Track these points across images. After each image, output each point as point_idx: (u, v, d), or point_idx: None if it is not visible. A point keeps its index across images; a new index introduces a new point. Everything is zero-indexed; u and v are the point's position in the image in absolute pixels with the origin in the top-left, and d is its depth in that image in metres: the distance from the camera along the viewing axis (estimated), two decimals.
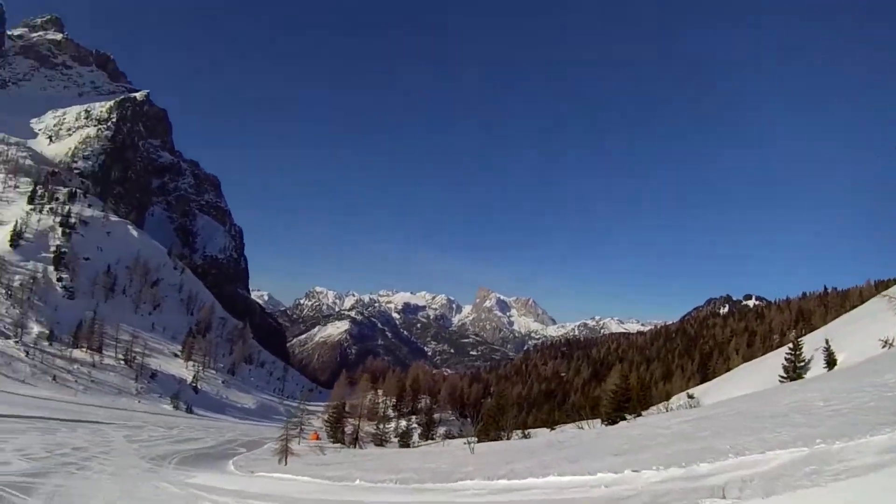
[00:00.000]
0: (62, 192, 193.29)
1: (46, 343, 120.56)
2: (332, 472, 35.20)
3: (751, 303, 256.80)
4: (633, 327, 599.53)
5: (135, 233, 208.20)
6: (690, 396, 55.06)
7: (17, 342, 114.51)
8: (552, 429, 64.03)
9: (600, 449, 24.22)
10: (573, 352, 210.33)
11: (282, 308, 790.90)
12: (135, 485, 26.23)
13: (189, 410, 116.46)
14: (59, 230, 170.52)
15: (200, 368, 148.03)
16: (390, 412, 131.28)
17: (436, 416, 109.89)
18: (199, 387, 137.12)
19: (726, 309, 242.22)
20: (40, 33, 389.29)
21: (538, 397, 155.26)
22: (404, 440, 75.52)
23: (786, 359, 44.52)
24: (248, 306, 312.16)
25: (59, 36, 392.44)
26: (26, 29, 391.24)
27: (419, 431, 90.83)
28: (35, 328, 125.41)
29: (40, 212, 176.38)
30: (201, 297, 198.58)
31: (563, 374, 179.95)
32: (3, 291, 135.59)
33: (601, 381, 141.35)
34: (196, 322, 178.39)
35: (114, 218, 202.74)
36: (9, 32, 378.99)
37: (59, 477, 25.00)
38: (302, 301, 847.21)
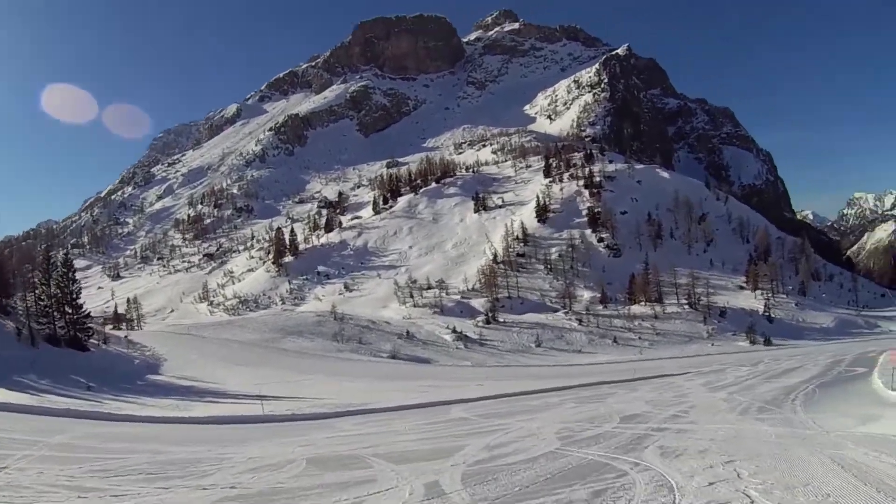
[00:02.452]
0: (577, 157, 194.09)
1: (600, 307, 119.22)
2: None
3: None
4: None
5: (666, 174, 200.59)
6: None
7: (566, 313, 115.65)
8: None
9: None
10: None
11: (828, 223, 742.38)
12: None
13: (767, 342, 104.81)
14: (586, 192, 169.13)
15: (770, 295, 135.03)
16: None
17: None
18: (772, 315, 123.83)
19: None
20: (496, 29, 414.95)
21: None
22: None
23: None
24: (797, 226, 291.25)
25: (516, 25, 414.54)
26: (480, 31, 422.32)
27: None
28: (585, 295, 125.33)
29: (560, 181, 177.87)
30: (752, 221, 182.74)
31: None
32: (543, 268, 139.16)
33: None
34: (754, 248, 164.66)
35: (639, 166, 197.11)
36: (465, 40, 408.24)
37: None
38: (845, 211, 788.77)
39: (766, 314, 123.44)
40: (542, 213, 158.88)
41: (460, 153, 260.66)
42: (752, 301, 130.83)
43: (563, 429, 20.62)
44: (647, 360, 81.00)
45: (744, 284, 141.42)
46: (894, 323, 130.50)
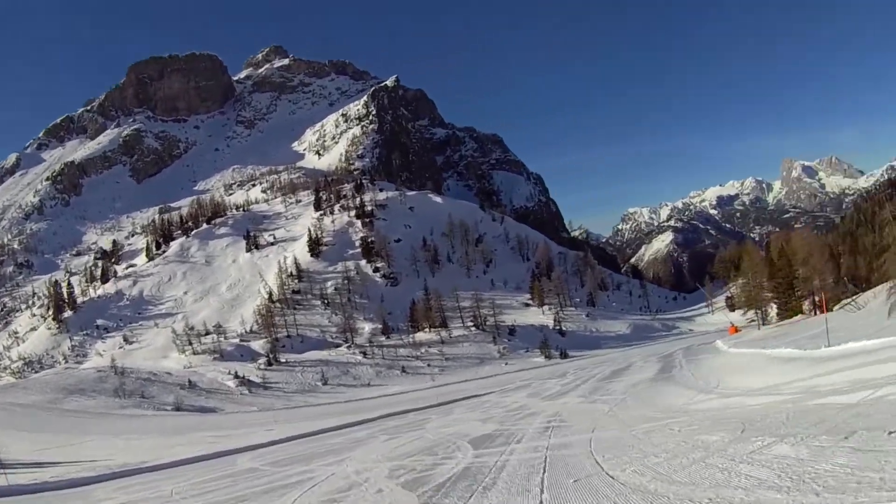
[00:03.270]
0: (347, 188, 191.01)
1: (383, 338, 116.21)
2: None
3: None
4: None
5: (438, 199, 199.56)
6: None
7: (349, 347, 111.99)
8: None
9: None
10: None
11: (603, 239, 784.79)
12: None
13: (564, 355, 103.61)
14: (358, 223, 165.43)
15: (559, 309, 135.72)
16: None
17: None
18: (563, 328, 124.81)
19: None
20: (266, 66, 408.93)
21: None
22: None
23: None
24: (576, 244, 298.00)
25: (286, 60, 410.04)
26: (251, 68, 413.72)
27: None
28: (366, 327, 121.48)
29: (331, 213, 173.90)
30: (531, 239, 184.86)
31: None
32: (320, 303, 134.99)
33: None
34: (535, 265, 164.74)
35: (411, 193, 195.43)
36: (235, 78, 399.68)
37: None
38: (620, 227, 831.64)
39: (558, 328, 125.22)
40: (315, 246, 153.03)
41: (230, 194, 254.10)
42: (540, 317, 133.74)
43: (398, 468, 15.91)
44: (444, 386, 77.89)
45: (529, 301, 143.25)
46: (692, 322, 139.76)
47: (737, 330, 79.07)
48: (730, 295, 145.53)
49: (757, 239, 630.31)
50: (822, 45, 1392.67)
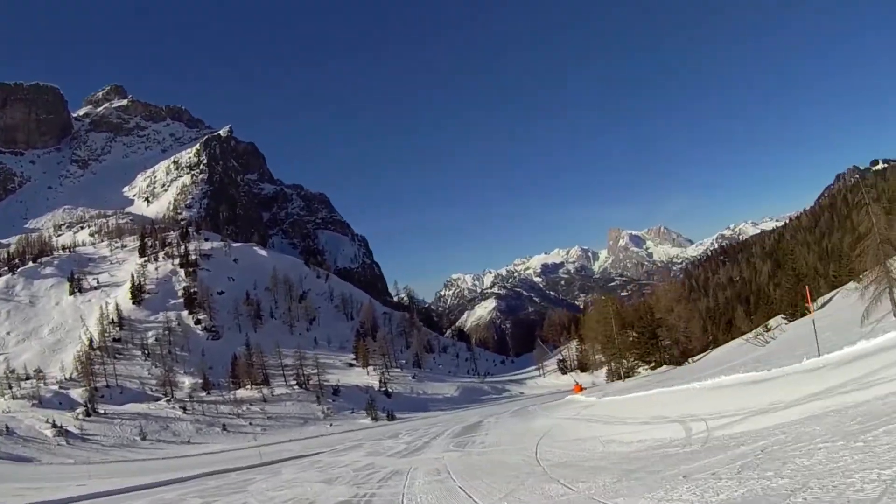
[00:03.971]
0: (173, 235, 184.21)
1: (204, 393, 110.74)
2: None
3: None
4: (768, 225, 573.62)
5: (263, 252, 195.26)
6: None
7: (169, 401, 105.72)
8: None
9: None
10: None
11: (425, 305, 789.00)
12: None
13: (391, 417, 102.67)
14: (182, 272, 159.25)
15: (384, 370, 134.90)
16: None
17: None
18: (389, 389, 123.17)
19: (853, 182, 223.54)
20: (105, 105, 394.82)
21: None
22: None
23: None
24: (400, 307, 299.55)
25: (124, 101, 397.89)
26: (90, 106, 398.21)
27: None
28: (186, 381, 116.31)
29: (155, 260, 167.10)
30: (356, 297, 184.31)
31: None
32: (140, 353, 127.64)
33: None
34: (360, 324, 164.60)
35: (236, 244, 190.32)
36: (74, 115, 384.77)
37: None
38: (443, 293, 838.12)
39: (384, 389, 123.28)
40: (138, 293, 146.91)
41: (59, 235, 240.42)
42: (365, 377, 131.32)
43: None
44: (267, 445, 75.62)
45: (354, 361, 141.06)
46: (523, 385, 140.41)
47: (581, 389, 75.43)
48: (562, 357, 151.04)
49: (582, 307, 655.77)
50: (651, 119, 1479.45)
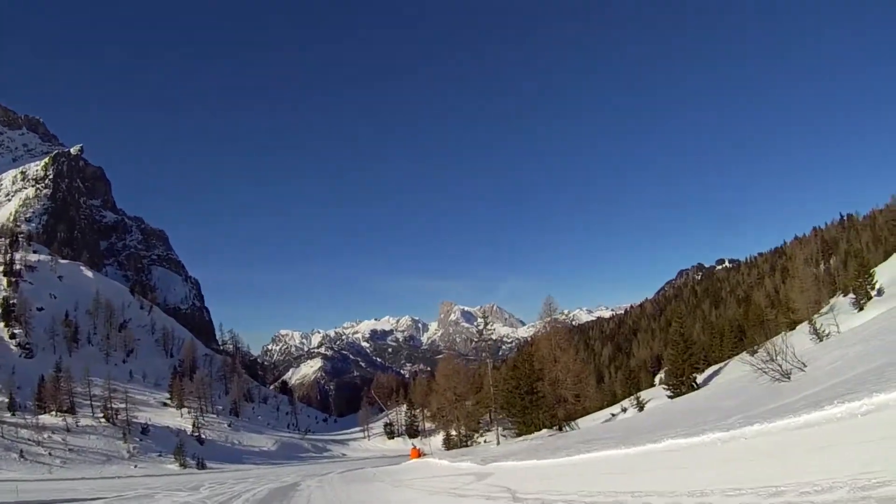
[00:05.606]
0: (3, 242, 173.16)
1: (8, 414, 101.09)
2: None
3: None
4: (604, 314, 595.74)
5: (90, 273, 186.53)
6: None
7: None
8: None
9: None
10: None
11: (251, 358, 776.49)
12: None
13: (201, 465, 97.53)
14: (4, 280, 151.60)
15: (199, 414, 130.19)
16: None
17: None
18: (202, 435, 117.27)
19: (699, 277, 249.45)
20: None
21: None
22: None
23: None
24: (225, 353, 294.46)
25: None
26: None
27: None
28: None
29: None
30: (178, 334, 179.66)
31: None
32: None
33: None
34: (179, 363, 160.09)
35: (63, 261, 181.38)
36: None
37: None
38: (270, 347, 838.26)
39: (196, 434, 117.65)
40: None
41: None
42: (178, 419, 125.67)
43: None
44: (60, 480, 69.50)
45: (168, 401, 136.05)
46: (346, 447, 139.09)
47: (419, 454, 70.34)
48: (389, 421, 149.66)
49: (408, 376, 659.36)
50: (487, 203, 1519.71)
